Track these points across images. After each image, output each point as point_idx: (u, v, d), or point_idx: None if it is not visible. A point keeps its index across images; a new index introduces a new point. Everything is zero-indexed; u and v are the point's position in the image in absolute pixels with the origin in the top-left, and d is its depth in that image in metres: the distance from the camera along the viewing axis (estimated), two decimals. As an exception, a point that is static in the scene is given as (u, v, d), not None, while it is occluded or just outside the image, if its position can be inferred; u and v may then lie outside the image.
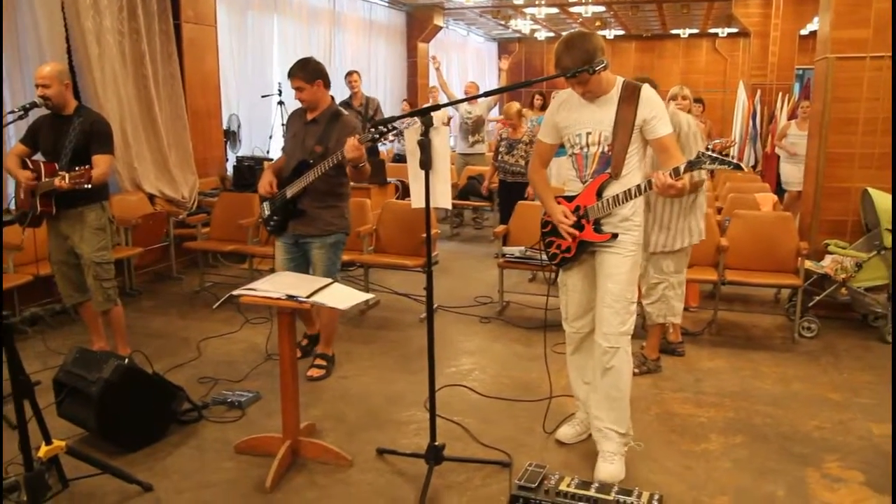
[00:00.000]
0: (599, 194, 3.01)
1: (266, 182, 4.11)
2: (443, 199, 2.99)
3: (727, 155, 7.95)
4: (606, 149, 2.98)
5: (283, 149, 4.27)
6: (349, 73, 7.92)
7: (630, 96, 2.94)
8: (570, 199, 3.12)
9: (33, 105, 3.87)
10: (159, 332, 5.04)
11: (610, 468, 3.05)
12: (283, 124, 5.99)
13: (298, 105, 4.13)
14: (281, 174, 4.13)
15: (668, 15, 15.19)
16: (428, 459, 2.98)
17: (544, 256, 3.31)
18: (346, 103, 7.84)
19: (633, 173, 2.99)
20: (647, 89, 2.96)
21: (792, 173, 8.51)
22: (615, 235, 3.01)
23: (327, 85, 4.05)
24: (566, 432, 3.41)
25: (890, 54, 4.82)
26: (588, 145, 3.01)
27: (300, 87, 3.95)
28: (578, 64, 2.79)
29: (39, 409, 2.60)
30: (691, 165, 2.76)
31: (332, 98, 4.13)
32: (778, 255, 4.96)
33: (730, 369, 4.34)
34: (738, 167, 2.87)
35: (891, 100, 4.86)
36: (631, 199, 2.95)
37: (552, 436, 3.44)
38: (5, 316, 2.21)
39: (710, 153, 2.74)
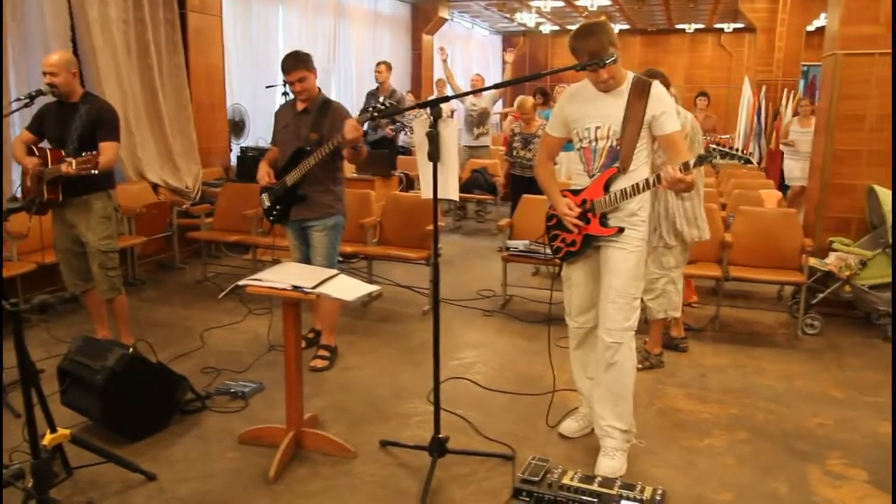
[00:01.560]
0: (607, 188, 3.01)
1: (264, 173, 4.17)
2: (450, 191, 2.98)
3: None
4: (615, 143, 2.97)
5: (274, 141, 4.35)
6: (378, 64, 7.92)
7: (640, 92, 2.94)
8: (576, 192, 3.12)
9: (39, 93, 3.86)
10: (162, 321, 5.04)
11: (611, 463, 3.05)
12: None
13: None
14: (276, 165, 4.20)
15: (675, 9, 15.12)
16: (431, 452, 2.98)
17: (548, 250, 3.31)
18: (372, 94, 7.86)
19: (640, 168, 2.98)
20: (657, 86, 2.97)
21: (793, 169, 8.50)
22: (621, 230, 3.00)
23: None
24: (569, 426, 3.41)
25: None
26: (596, 139, 3.01)
27: (304, 76, 4.02)
28: (601, 49, 2.79)
29: (44, 397, 2.60)
30: (701, 160, 2.75)
31: (320, 89, 4.21)
32: (782, 251, 4.95)
33: (733, 366, 4.34)
34: (747, 161, 2.86)
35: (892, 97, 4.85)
36: (639, 192, 2.95)
37: (555, 429, 3.44)
38: (14, 304, 2.20)
39: (720, 147, 2.74)
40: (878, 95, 4.91)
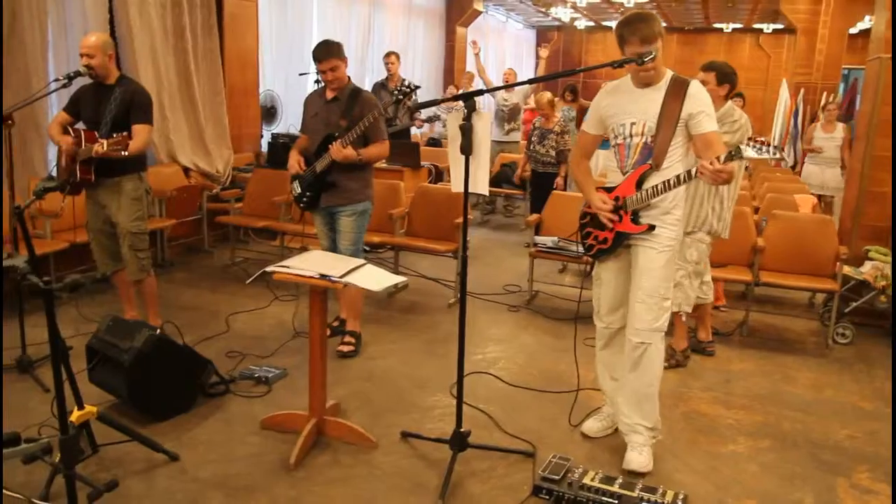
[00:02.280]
0: (639, 185, 2.98)
1: (294, 161, 4.21)
2: (481, 185, 2.96)
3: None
4: (649, 140, 2.95)
5: (303, 129, 4.38)
6: (387, 54, 7.84)
7: (678, 90, 2.91)
8: (609, 189, 3.10)
9: (77, 74, 3.91)
10: (190, 304, 5.10)
11: (639, 458, 3.06)
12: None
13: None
14: (306, 153, 4.25)
15: (713, 8, 14.90)
16: (452, 445, 2.98)
17: (580, 248, 3.29)
18: (382, 84, 7.80)
19: (674, 166, 2.95)
20: (695, 84, 2.94)
21: (812, 174, 8.30)
22: (652, 227, 2.97)
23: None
24: (592, 426, 3.39)
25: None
26: (631, 135, 2.99)
27: (336, 65, 4.04)
28: (652, 36, 2.79)
29: (73, 374, 2.64)
30: (731, 156, 2.71)
31: (349, 77, 4.21)
32: (815, 258, 4.85)
33: (760, 372, 4.28)
34: (778, 158, 2.80)
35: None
36: (670, 189, 2.92)
37: (578, 428, 3.42)
38: (47, 282, 2.23)
39: (754, 140, 2.70)
40: (922, 102, 4.79)
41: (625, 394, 3.14)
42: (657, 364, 3.06)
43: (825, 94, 10.47)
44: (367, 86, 10.11)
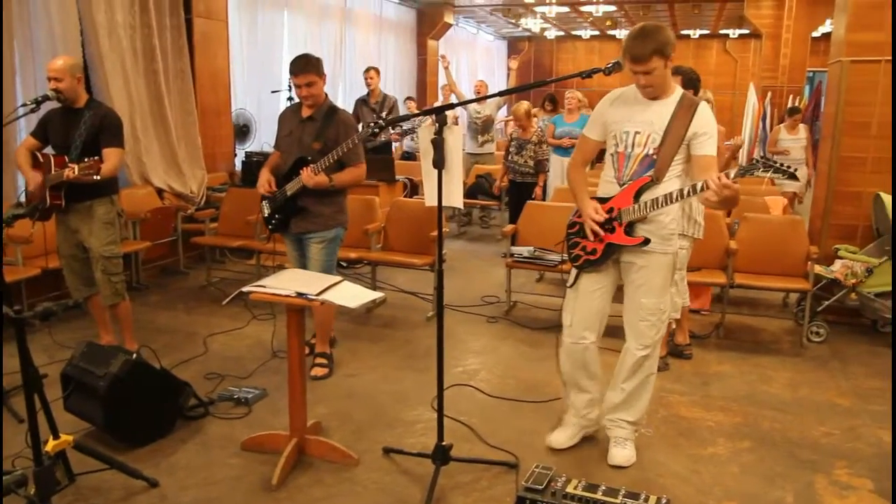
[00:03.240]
0: (637, 198, 2.97)
1: (265, 181, 4.08)
2: (455, 198, 2.98)
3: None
4: (651, 151, 2.94)
5: (276, 147, 4.25)
6: (366, 70, 7.86)
7: (688, 108, 2.93)
8: (603, 201, 3.07)
9: (45, 98, 3.87)
10: (166, 327, 5.05)
11: (623, 452, 3.15)
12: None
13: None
14: (278, 171, 4.11)
15: (680, 15, 15.14)
16: (435, 459, 2.97)
17: (555, 256, 3.30)
18: (363, 100, 7.83)
19: (672, 181, 2.96)
20: (704, 106, 2.95)
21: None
22: (647, 241, 2.96)
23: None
24: (557, 438, 3.34)
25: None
26: (633, 145, 2.98)
27: (313, 81, 3.92)
28: (648, 53, 2.79)
29: (48, 402, 2.60)
30: (742, 172, 2.71)
31: (327, 94, 4.11)
32: (787, 258, 4.93)
33: (737, 373, 4.32)
34: (793, 176, 2.75)
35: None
36: (672, 202, 2.90)
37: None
38: (18, 311, 2.20)
39: (765, 160, 2.69)
40: (883, 103, 4.90)
41: (616, 396, 3.21)
42: (655, 367, 3.18)
43: (791, 96, 10.67)
44: (339, 100, 10.14)
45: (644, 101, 2.98)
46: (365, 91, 7.91)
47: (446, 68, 9.20)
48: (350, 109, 7.80)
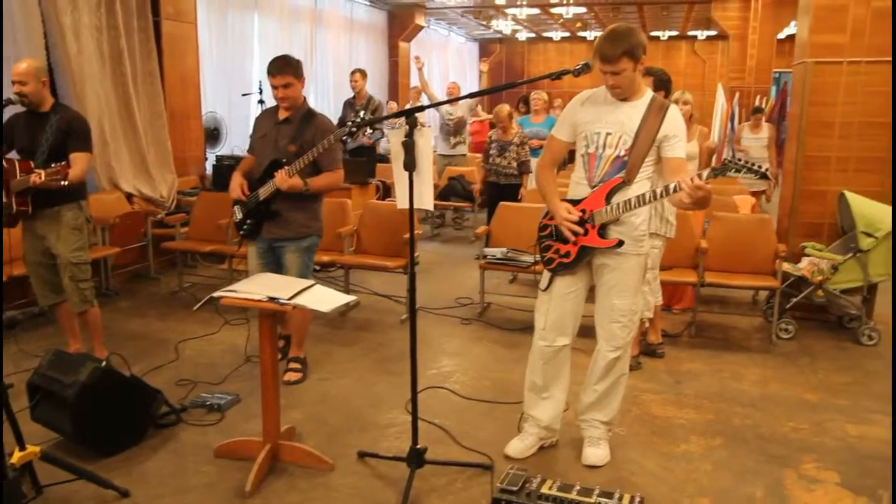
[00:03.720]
0: (608, 199, 2.98)
1: (237, 185, 3.99)
2: (425, 200, 2.97)
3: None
4: (623, 153, 2.96)
5: (251, 149, 4.17)
6: (352, 73, 7.89)
7: (658, 110, 2.95)
8: (575, 202, 3.07)
9: (8, 102, 3.79)
10: (137, 333, 4.98)
11: (597, 451, 3.19)
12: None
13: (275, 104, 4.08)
14: (251, 176, 4.04)
15: (649, 17, 15.32)
16: (409, 463, 2.97)
17: (533, 258, 3.30)
18: (349, 103, 7.83)
19: (642, 182, 2.98)
20: (674, 109, 2.99)
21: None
22: (621, 242, 2.98)
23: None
24: (516, 447, 3.30)
25: (866, 59, 4.89)
26: (604, 146, 2.98)
27: (290, 83, 3.86)
28: (618, 54, 2.81)
29: (13, 413, 2.56)
30: (715, 172, 2.75)
31: (305, 98, 4.07)
32: (756, 256, 5.01)
33: (709, 371, 4.38)
34: (763, 175, 2.78)
35: (865, 104, 4.94)
36: (644, 204, 2.92)
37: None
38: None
39: (737, 161, 2.72)
40: (845, 103, 5.01)
41: (588, 398, 3.24)
42: (627, 367, 3.21)
43: (758, 96, 10.85)
44: (311, 102, 10.09)
45: (614, 103, 2.99)
46: (332, 93, 7.92)
47: (420, 69, 9.21)
48: (323, 111, 7.79)
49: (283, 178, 3.75)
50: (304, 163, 3.75)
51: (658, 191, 2.87)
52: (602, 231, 3.01)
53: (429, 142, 2.96)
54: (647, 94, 3.02)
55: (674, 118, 2.96)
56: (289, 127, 3.94)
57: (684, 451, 3.37)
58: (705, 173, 2.73)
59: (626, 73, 2.87)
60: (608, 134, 2.98)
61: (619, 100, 2.99)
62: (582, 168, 3.08)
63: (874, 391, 4.09)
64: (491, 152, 7.07)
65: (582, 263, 3.09)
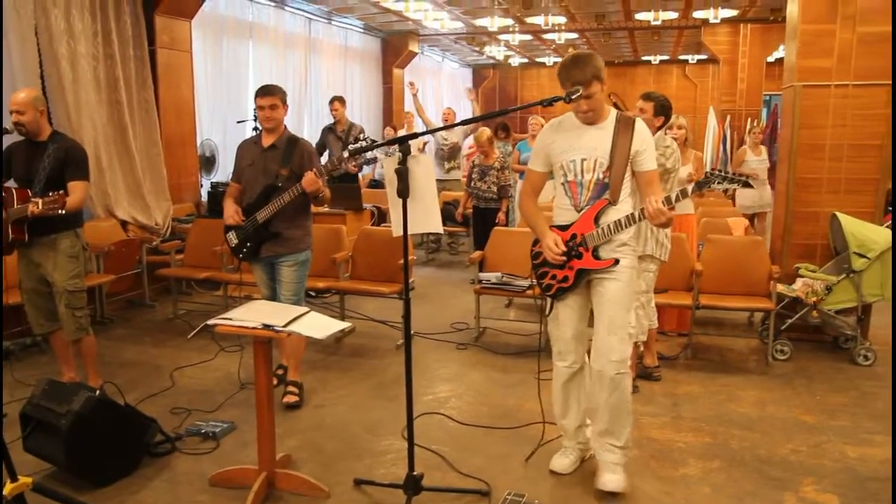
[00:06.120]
0: (597, 221, 3.02)
1: (232, 211, 4.14)
2: (433, 223, 3.01)
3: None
4: (602, 175, 3.00)
5: (235, 178, 4.28)
6: (331, 101, 7.91)
7: (626, 127, 3.00)
8: (563, 228, 3.11)
9: (5, 131, 3.82)
10: (132, 361, 4.95)
11: (614, 477, 3.11)
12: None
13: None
14: (240, 202, 4.19)
15: (640, 42, 15.49)
16: (406, 489, 2.95)
17: (528, 282, 3.32)
18: (329, 128, 7.85)
19: (626, 200, 3.03)
20: (640, 122, 3.03)
21: (747, 194, 8.61)
22: (617, 261, 3.01)
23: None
24: (561, 463, 3.36)
25: (853, 83, 4.96)
26: (583, 172, 3.02)
27: (276, 105, 4.03)
28: (584, 81, 2.86)
29: (5, 443, 2.53)
30: (699, 185, 2.79)
31: (286, 126, 4.20)
32: (750, 278, 5.03)
33: (706, 393, 4.37)
34: (747, 184, 2.86)
35: (854, 126, 5.01)
36: (633, 223, 2.98)
37: (531, 463, 3.42)
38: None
39: (720, 173, 2.78)
40: (834, 126, 5.07)
41: (599, 425, 3.17)
42: (629, 388, 3.16)
43: (749, 119, 10.95)
44: (305, 129, 10.14)
45: (581, 127, 3.04)
46: (326, 119, 7.94)
47: (414, 95, 9.27)
48: (315, 138, 7.81)
49: (314, 180, 3.87)
50: (330, 168, 3.98)
51: (637, 213, 2.95)
52: (596, 253, 3.04)
53: (428, 167, 2.99)
54: (612, 113, 3.06)
55: (642, 133, 3.01)
56: (276, 153, 4.08)
57: (683, 475, 3.35)
58: (690, 187, 2.79)
59: (597, 96, 2.93)
60: (583, 160, 3.02)
61: (588, 124, 3.03)
62: (565, 195, 3.11)
63: (872, 412, 4.09)
64: (473, 176, 7.15)
65: (580, 285, 3.11)
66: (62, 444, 3.12)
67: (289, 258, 4.11)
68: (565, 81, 2.92)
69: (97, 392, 3.30)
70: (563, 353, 3.24)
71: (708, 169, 10.98)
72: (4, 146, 4.00)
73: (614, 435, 3.15)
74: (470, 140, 8.91)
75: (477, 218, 7.24)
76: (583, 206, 3.05)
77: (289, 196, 3.94)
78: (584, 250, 3.04)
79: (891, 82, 4.86)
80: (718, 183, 2.80)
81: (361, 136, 7.84)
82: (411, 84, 9.44)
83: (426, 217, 3.01)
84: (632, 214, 2.96)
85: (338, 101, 7.84)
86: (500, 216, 6.99)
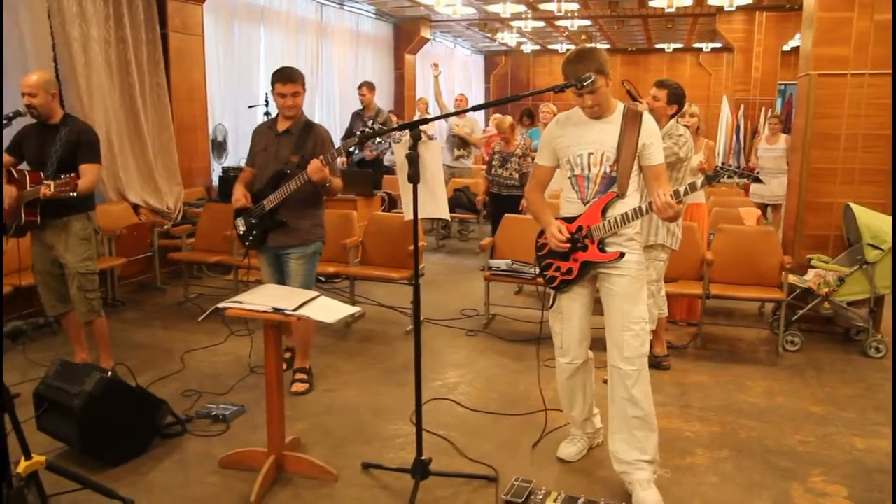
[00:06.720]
0: (604, 214, 2.99)
1: (240, 195, 4.04)
2: (440, 209, 3.00)
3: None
4: (609, 169, 2.97)
5: (250, 162, 4.20)
6: (360, 86, 7.99)
7: (633, 120, 2.97)
8: (570, 220, 3.08)
9: (17, 114, 3.84)
10: (143, 343, 4.99)
11: (652, 496, 2.93)
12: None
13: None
14: (251, 187, 4.09)
15: (654, 30, 15.34)
16: (414, 474, 2.96)
17: (534, 270, 3.29)
18: (358, 114, 7.89)
19: (634, 194, 3.00)
20: (647, 115, 3.00)
21: (761, 185, 8.53)
22: (622, 255, 2.98)
23: None
24: (568, 451, 3.35)
25: (869, 71, 4.91)
26: (590, 166, 2.99)
27: (298, 92, 3.93)
28: (592, 72, 2.82)
29: (19, 422, 2.56)
30: (709, 179, 2.77)
31: (303, 111, 4.12)
32: (762, 269, 5.00)
33: (715, 383, 4.37)
34: (756, 179, 2.85)
35: (869, 116, 4.95)
36: (640, 216, 2.95)
37: (538, 450, 3.44)
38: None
39: (728, 168, 2.77)
40: (850, 115, 5.01)
41: (618, 428, 3.04)
42: (649, 388, 3.02)
43: (763, 108, 10.85)
44: (317, 114, 10.15)
45: (589, 122, 3.01)
46: (337, 105, 7.99)
47: (436, 77, 9.23)
48: (327, 124, 7.82)
49: (319, 168, 3.74)
50: (335, 156, 3.82)
51: (645, 206, 2.92)
52: (601, 245, 3.01)
53: (436, 154, 2.99)
54: (619, 106, 3.03)
55: (649, 125, 2.98)
56: (289, 138, 4.00)
57: (690, 464, 3.36)
58: (699, 181, 2.76)
59: (602, 91, 2.89)
60: (590, 154, 2.99)
61: (594, 118, 3.00)
62: (572, 189, 3.08)
63: (881, 404, 4.07)
64: (493, 163, 7.10)
65: (584, 280, 3.09)
66: (75, 424, 3.16)
67: (295, 251, 4.01)
68: (569, 77, 2.90)
69: (109, 373, 3.33)
70: (564, 349, 3.19)
71: (720, 159, 10.95)
72: (17, 129, 4.02)
73: (642, 448, 2.99)
74: (484, 126, 8.90)
75: (497, 205, 7.14)
76: (589, 198, 3.03)
77: (295, 184, 3.83)
78: (590, 242, 3.01)
79: (891, 72, 4.80)
80: (728, 178, 2.79)
81: (389, 121, 7.90)
82: (435, 65, 9.39)
83: (434, 203, 3.00)
84: (639, 207, 2.93)
85: (366, 86, 7.89)
86: (524, 203, 6.93)
